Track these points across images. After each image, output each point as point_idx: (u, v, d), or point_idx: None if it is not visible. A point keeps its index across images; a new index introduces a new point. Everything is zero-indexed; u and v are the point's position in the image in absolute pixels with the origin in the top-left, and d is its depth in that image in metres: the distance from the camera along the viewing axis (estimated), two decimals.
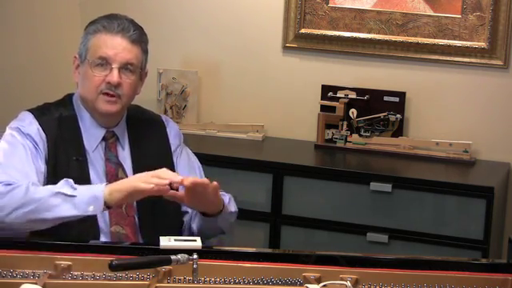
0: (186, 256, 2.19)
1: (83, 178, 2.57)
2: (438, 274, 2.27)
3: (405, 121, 3.76)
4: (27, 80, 3.92)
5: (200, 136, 3.92)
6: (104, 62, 2.57)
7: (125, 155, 2.67)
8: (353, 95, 3.78)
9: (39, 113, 2.62)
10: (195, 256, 2.20)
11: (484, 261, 2.75)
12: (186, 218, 2.73)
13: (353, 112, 3.78)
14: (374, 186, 3.43)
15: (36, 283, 2.12)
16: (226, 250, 2.36)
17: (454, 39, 3.72)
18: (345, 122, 3.78)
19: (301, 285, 2.23)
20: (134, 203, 2.62)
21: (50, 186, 2.43)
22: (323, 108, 3.81)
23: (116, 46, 2.58)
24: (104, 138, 2.65)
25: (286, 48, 3.93)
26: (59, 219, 2.39)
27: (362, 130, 3.78)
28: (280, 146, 3.86)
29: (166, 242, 2.32)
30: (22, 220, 2.39)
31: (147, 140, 2.71)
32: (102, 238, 2.56)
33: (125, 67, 2.59)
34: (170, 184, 2.42)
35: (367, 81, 3.81)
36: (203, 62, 4.02)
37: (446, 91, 3.77)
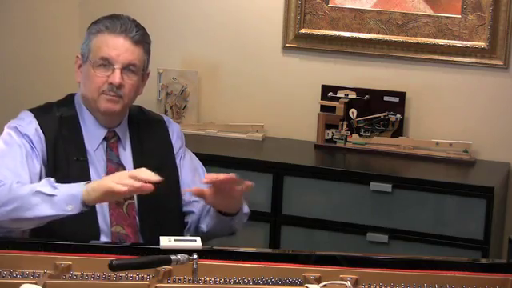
0: (186, 256, 2.19)
1: (84, 179, 2.56)
2: (437, 274, 2.27)
3: (405, 121, 3.76)
4: (27, 80, 3.92)
5: (200, 136, 3.92)
6: (106, 63, 2.56)
7: (126, 155, 2.67)
8: (353, 95, 3.78)
9: (40, 112, 2.62)
10: (195, 256, 2.20)
11: (484, 261, 2.75)
12: (190, 219, 2.72)
13: (353, 112, 3.78)
14: (374, 186, 3.43)
15: (36, 283, 2.12)
16: (226, 250, 2.36)
17: (454, 39, 3.72)
18: (345, 122, 3.78)
19: (301, 285, 2.23)
20: (136, 204, 2.62)
21: (32, 185, 2.42)
22: (323, 108, 3.81)
23: (118, 46, 2.57)
24: (105, 138, 2.65)
25: (285, 48, 3.93)
26: (40, 218, 2.38)
27: (362, 130, 3.78)
28: (280, 146, 3.86)
29: (166, 241, 2.32)
30: (6, 218, 2.38)
31: (149, 140, 2.71)
32: (103, 238, 2.56)
33: (127, 68, 2.58)
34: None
35: (367, 81, 3.81)
36: (203, 62, 4.02)
37: (446, 91, 3.77)
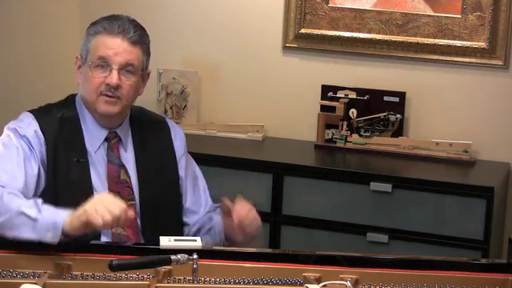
0: (186, 256, 2.20)
1: (84, 180, 2.56)
2: (437, 274, 2.27)
3: (405, 121, 3.76)
4: (27, 80, 3.91)
5: (200, 136, 3.92)
6: (104, 63, 2.55)
7: (128, 156, 2.66)
8: (353, 95, 3.78)
9: (40, 113, 2.61)
10: (195, 256, 2.20)
11: (484, 261, 2.75)
12: (187, 230, 2.73)
13: (353, 112, 3.78)
14: (374, 186, 3.43)
15: (36, 283, 2.12)
16: (226, 250, 2.36)
17: (454, 39, 3.72)
18: (345, 122, 3.78)
19: (301, 285, 2.23)
20: (138, 205, 2.62)
21: (21, 202, 2.36)
22: (323, 108, 3.81)
23: (116, 47, 2.56)
24: (106, 139, 2.63)
25: (286, 48, 3.93)
26: (20, 238, 2.32)
27: (362, 130, 3.78)
28: (280, 146, 3.86)
29: (166, 242, 2.32)
30: None
31: (151, 141, 2.70)
32: (103, 239, 2.56)
33: (125, 69, 2.57)
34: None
35: (367, 81, 3.81)
36: (203, 62, 4.02)
37: (446, 91, 3.77)
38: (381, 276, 2.26)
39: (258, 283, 2.23)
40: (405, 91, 3.74)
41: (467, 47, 3.71)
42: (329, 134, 3.80)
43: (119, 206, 2.29)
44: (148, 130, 2.71)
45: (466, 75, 3.74)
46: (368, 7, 3.81)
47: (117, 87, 2.55)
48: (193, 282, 2.20)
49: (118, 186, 2.60)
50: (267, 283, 2.23)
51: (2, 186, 2.41)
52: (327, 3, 3.84)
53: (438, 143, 3.72)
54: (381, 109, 3.75)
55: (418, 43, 3.76)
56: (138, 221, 2.61)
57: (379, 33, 3.81)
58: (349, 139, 3.78)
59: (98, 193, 2.57)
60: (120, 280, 2.21)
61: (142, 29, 2.65)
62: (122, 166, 2.63)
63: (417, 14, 3.75)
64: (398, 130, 3.75)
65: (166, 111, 4.00)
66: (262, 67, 3.97)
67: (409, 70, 3.80)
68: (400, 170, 3.66)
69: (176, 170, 2.72)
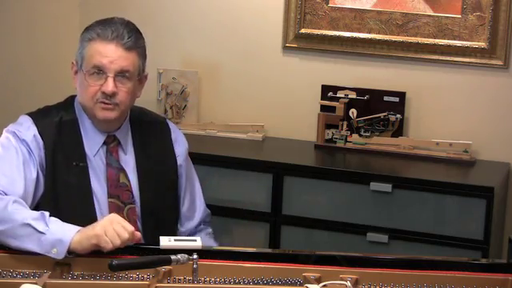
0: (186, 256, 2.20)
1: (84, 184, 2.56)
2: (437, 274, 2.27)
3: (405, 121, 3.76)
4: (27, 81, 3.91)
5: (200, 136, 3.92)
6: (99, 71, 2.53)
7: (127, 159, 2.65)
8: (353, 95, 3.78)
9: (39, 117, 2.59)
10: (195, 256, 2.20)
11: (484, 261, 2.75)
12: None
13: (353, 112, 3.78)
14: (374, 186, 3.43)
15: (36, 283, 2.12)
16: (226, 250, 2.36)
17: (454, 39, 3.72)
18: (345, 122, 3.78)
19: (301, 285, 2.23)
20: (138, 208, 2.61)
21: (27, 213, 2.34)
22: (323, 108, 3.81)
23: (110, 53, 2.53)
24: (105, 143, 2.62)
25: (285, 48, 3.93)
26: (23, 250, 2.30)
27: (362, 130, 3.78)
28: (280, 146, 3.86)
29: (166, 242, 2.32)
30: None
31: (151, 143, 2.69)
32: None
33: (121, 75, 2.54)
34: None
35: (367, 81, 3.81)
36: (203, 62, 4.02)
37: (446, 91, 3.77)
38: (381, 276, 2.26)
39: (257, 283, 2.23)
40: (405, 91, 3.74)
41: (467, 47, 3.71)
42: (329, 134, 3.80)
43: (128, 229, 2.29)
44: (148, 131, 2.71)
45: (466, 75, 3.74)
46: (368, 7, 3.81)
47: (113, 95, 2.53)
48: (193, 282, 2.20)
49: (117, 189, 2.60)
50: (267, 283, 2.23)
51: (3, 192, 2.40)
52: (327, 3, 3.84)
53: (438, 143, 3.72)
54: (381, 109, 3.75)
55: (417, 43, 3.76)
56: (139, 224, 2.61)
57: (379, 33, 3.81)
58: (349, 139, 3.78)
59: (98, 198, 2.58)
60: (120, 280, 2.21)
61: (137, 32, 2.61)
62: (122, 170, 2.62)
63: (417, 14, 3.75)
64: (398, 130, 3.75)
65: (165, 111, 4.00)
66: (262, 67, 3.97)
67: (409, 70, 3.80)
68: (400, 170, 3.66)
69: (176, 171, 2.72)
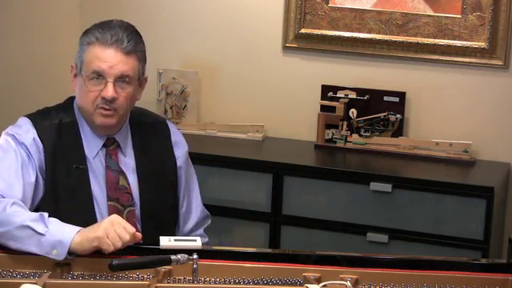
0: (186, 256, 2.20)
1: (83, 187, 2.55)
2: (437, 274, 2.27)
3: (405, 121, 3.76)
4: (27, 82, 3.90)
5: (200, 136, 3.92)
6: (98, 76, 2.51)
7: (127, 161, 2.64)
8: (353, 95, 3.78)
9: (38, 119, 2.58)
10: (195, 256, 2.20)
11: (484, 261, 2.75)
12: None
13: (353, 112, 3.78)
14: (374, 185, 3.43)
15: (36, 283, 2.12)
16: (226, 250, 2.36)
17: (454, 39, 3.72)
18: (345, 122, 3.78)
19: (301, 285, 2.23)
20: (138, 210, 2.61)
21: (26, 214, 2.33)
22: (323, 108, 3.81)
23: (110, 59, 2.50)
24: (104, 145, 2.61)
25: (286, 48, 3.93)
26: (23, 251, 2.29)
27: (362, 130, 3.78)
28: (280, 146, 3.86)
29: (166, 241, 2.32)
30: None
31: (151, 144, 2.68)
32: None
33: (120, 80, 2.52)
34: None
35: (367, 81, 3.81)
36: (203, 62, 4.02)
37: (446, 91, 3.77)
38: (381, 276, 2.26)
39: (258, 283, 2.23)
40: (405, 91, 3.74)
41: (467, 47, 3.71)
42: (329, 134, 3.80)
43: (129, 230, 2.29)
44: (148, 133, 2.69)
45: (465, 75, 3.74)
46: (368, 7, 3.81)
47: (113, 100, 2.51)
48: (193, 282, 2.20)
49: (116, 192, 2.59)
50: (267, 283, 2.23)
51: (1, 195, 2.39)
52: (327, 3, 3.84)
53: (437, 143, 3.72)
54: (381, 109, 3.75)
55: (418, 43, 3.76)
56: (138, 226, 2.60)
57: (379, 33, 3.81)
58: (349, 139, 3.78)
59: (98, 201, 2.57)
60: (120, 280, 2.21)
61: (137, 35, 2.58)
62: (121, 172, 2.61)
63: (417, 14, 3.75)
64: (398, 130, 3.75)
65: (166, 111, 4.00)
66: (262, 67, 3.97)
67: (409, 70, 3.80)
68: (400, 170, 3.66)
69: (175, 172, 2.71)
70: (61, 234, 2.27)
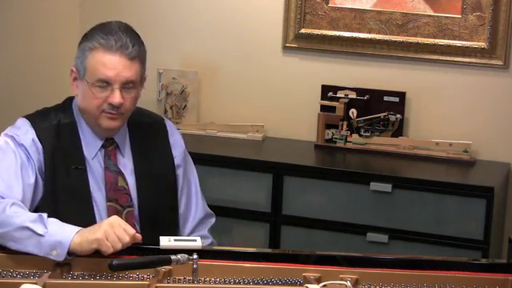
0: (186, 256, 2.20)
1: (83, 187, 2.54)
2: (437, 274, 2.27)
3: (405, 121, 3.76)
4: (26, 82, 3.90)
5: (200, 136, 3.92)
6: (105, 84, 2.50)
7: (125, 162, 2.63)
8: (353, 95, 3.78)
9: (37, 120, 2.57)
10: (195, 256, 2.20)
11: (484, 261, 2.75)
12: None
13: (353, 112, 3.78)
14: (374, 185, 3.43)
15: (36, 283, 2.12)
16: (226, 250, 2.36)
17: (454, 39, 3.72)
18: (345, 122, 3.78)
19: (301, 285, 2.23)
20: (136, 211, 2.61)
21: (26, 215, 2.33)
22: (323, 108, 3.81)
23: (116, 65, 2.49)
24: (103, 146, 2.61)
25: (286, 48, 3.93)
26: (23, 252, 2.29)
27: (362, 130, 3.78)
28: (280, 146, 3.86)
29: (166, 242, 2.32)
30: None
31: (149, 145, 2.68)
32: None
33: (126, 85, 2.52)
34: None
35: (367, 81, 3.81)
36: (203, 62, 4.02)
37: (446, 91, 3.77)
38: (381, 276, 2.26)
39: (258, 283, 2.23)
40: (405, 91, 3.74)
41: (467, 47, 3.71)
42: (329, 134, 3.80)
43: (129, 232, 2.29)
44: (146, 133, 2.69)
45: (465, 75, 3.74)
46: (368, 7, 3.81)
47: (120, 105, 2.51)
48: (193, 282, 2.20)
49: (115, 192, 2.59)
50: (267, 283, 2.23)
51: (1, 196, 2.39)
52: (327, 3, 3.84)
53: (437, 143, 3.72)
54: (381, 109, 3.75)
55: (418, 43, 3.76)
56: (138, 227, 2.60)
57: (379, 33, 3.81)
58: (349, 139, 3.78)
59: (97, 201, 2.56)
60: (120, 280, 2.21)
61: (138, 37, 2.57)
62: (120, 173, 2.60)
63: (417, 14, 3.75)
64: (398, 130, 3.75)
65: (166, 111, 4.00)
66: (262, 67, 3.97)
67: (409, 70, 3.80)
68: (400, 170, 3.66)
69: (173, 171, 2.71)
70: (60, 235, 2.27)
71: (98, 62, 2.50)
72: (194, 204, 2.77)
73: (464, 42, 3.71)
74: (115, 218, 2.33)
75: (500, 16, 3.64)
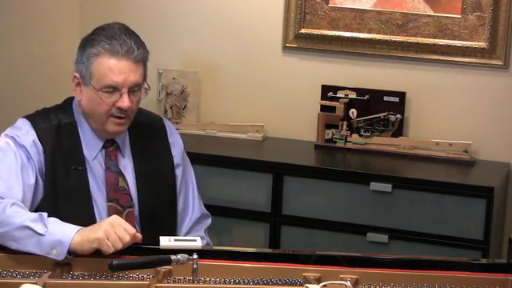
0: (186, 256, 2.20)
1: (83, 188, 2.54)
2: (437, 274, 2.27)
3: (405, 121, 3.76)
4: (26, 82, 3.90)
5: (200, 136, 3.92)
6: (112, 89, 2.50)
7: (126, 163, 2.63)
8: (353, 95, 3.78)
9: (37, 120, 2.57)
10: (195, 256, 2.20)
11: (484, 261, 2.75)
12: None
13: (353, 112, 3.78)
14: (374, 185, 3.43)
15: (36, 283, 2.12)
16: (225, 250, 2.36)
17: (454, 39, 3.72)
18: (345, 122, 3.78)
19: (301, 285, 2.23)
20: (137, 211, 2.61)
21: (26, 215, 2.33)
22: (323, 108, 3.81)
23: (123, 70, 2.48)
24: (104, 146, 2.61)
25: (286, 48, 3.93)
26: (23, 252, 2.29)
27: (362, 130, 3.78)
28: (280, 146, 3.86)
29: (166, 242, 2.32)
30: None
31: (149, 146, 2.68)
32: None
33: (133, 89, 2.52)
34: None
35: (367, 81, 3.81)
36: (203, 62, 4.02)
37: (446, 91, 3.77)
38: (381, 276, 2.26)
39: (258, 283, 2.23)
40: (405, 91, 3.74)
41: (467, 47, 3.71)
42: (329, 134, 3.80)
43: (129, 231, 2.29)
44: (145, 133, 2.69)
45: (465, 75, 3.74)
46: (368, 7, 3.81)
47: (128, 109, 2.52)
48: (193, 282, 2.20)
49: (116, 193, 2.59)
50: (267, 283, 2.23)
51: (1, 197, 2.39)
52: (327, 3, 3.84)
53: (437, 143, 3.72)
54: (381, 109, 3.75)
55: (418, 43, 3.76)
56: (138, 227, 2.60)
57: (379, 33, 3.81)
58: (349, 139, 3.78)
59: (97, 202, 2.56)
60: (120, 280, 2.21)
61: (139, 39, 2.57)
62: (120, 174, 2.60)
63: (417, 14, 3.75)
64: (398, 130, 3.75)
65: (166, 111, 4.00)
66: (262, 67, 3.97)
67: (409, 70, 3.80)
68: (400, 170, 3.66)
69: (173, 171, 2.71)
70: (60, 234, 2.27)
71: (104, 68, 2.49)
72: (191, 204, 2.77)
73: (464, 42, 3.71)
74: (116, 218, 2.33)
75: (500, 16, 3.64)
